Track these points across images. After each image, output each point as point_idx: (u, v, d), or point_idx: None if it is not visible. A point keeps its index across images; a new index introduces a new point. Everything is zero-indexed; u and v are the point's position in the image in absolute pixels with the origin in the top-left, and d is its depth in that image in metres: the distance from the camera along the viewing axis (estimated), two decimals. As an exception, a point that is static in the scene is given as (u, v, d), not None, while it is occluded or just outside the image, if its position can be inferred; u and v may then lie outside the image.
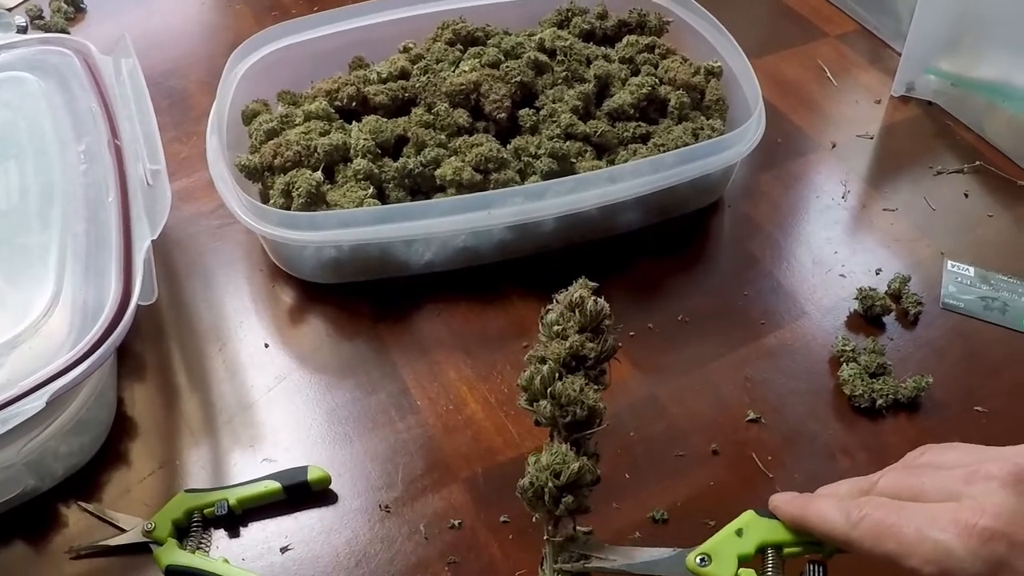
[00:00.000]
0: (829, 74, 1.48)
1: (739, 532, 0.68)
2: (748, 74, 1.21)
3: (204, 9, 1.67)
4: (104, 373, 0.98)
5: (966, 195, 1.28)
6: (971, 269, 1.17)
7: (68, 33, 1.58)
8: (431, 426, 1.01)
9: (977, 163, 1.32)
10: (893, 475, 0.65)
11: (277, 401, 1.04)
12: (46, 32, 1.56)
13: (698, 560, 0.67)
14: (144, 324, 1.10)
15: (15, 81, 1.19)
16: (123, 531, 0.92)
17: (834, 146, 1.35)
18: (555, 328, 0.75)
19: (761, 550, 0.68)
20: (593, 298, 0.74)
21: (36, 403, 0.83)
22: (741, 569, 0.67)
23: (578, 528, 0.73)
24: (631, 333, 1.09)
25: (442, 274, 1.14)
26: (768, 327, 1.11)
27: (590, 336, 0.73)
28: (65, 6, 1.66)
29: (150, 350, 1.08)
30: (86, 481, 0.96)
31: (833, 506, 0.64)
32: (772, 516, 0.69)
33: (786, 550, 0.68)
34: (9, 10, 1.69)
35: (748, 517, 0.69)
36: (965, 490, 0.61)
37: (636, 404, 1.03)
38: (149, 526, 0.90)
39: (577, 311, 0.74)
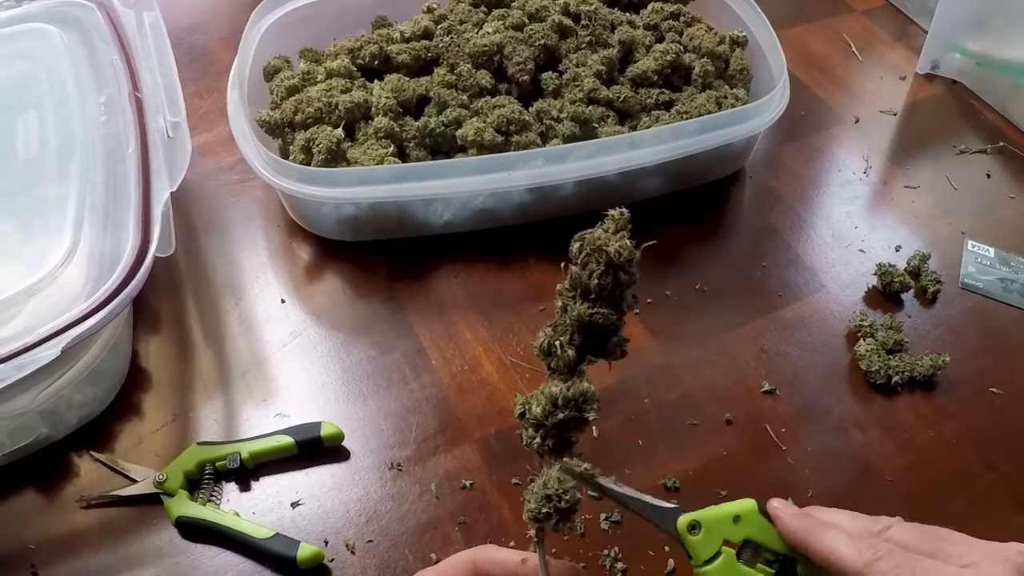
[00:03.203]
0: (854, 49, 1.47)
1: (736, 519, 0.68)
2: (773, 45, 1.21)
3: (226, -35, 1.67)
4: (119, 324, 0.98)
5: (988, 175, 1.28)
6: (991, 250, 1.17)
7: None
8: (445, 386, 1.01)
9: (1000, 144, 1.32)
10: (907, 529, 0.65)
11: (292, 357, 1.04)
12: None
13: (689, 526, 0.67)
14: (160, 277, 1.10)
15: (37, 33, 1.19)
16: (135, 482, 0.92)
17: (857, 121, 1.35)
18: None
19: (745, 542, 0.68)
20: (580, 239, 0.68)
21: (51, 351, 0.83)
22: (724, 547, 0.67)
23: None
24: (648, 300, 1.09)
25: (460, 235, 1.15)
26: (786, 299, 1.11)
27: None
28: (87, -41, 1.66)
29: (166, 303, 1.09)
30: (99, 431, 0.97)
31: (844, 540, 0.64)
32: (769, 517, 0.69)
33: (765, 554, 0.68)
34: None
35: (749, 509, 0.68)
36: (984, 564, 0.61)
37: (651, 371, 1.03)
38: (161, 477, 0.91)
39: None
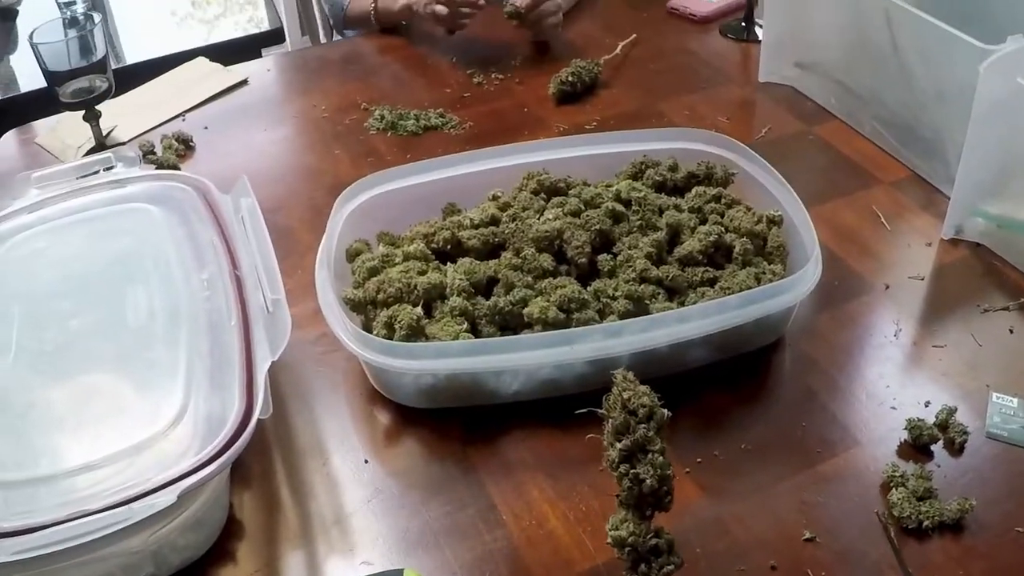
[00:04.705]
0: (883, 219, 1.55)
1: None
2: (806, 222, 1.31)
3: (305, 153, 1.82)
4: (221, 478, 1.08)
5: (1011, 331, 1.34)
6: (1015, 400, 1.23)
7: (179, 169, 1.71)
8: (515, 538, 1.10)
9: (1022, 300, 1.38)
10: None
11: (374, 512, 1.13)
12: (158, 167, 1.69)
13: None
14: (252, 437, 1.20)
15: (140, 212, 1.32)
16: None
17: (887, 288, 1.42)
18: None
19: None
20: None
21: (168, 497, 0.94)
22: None
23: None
24: (698, 460, 1.17)
25: (527, 403, 1.23)
26: (824, 455, 1.18)
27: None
28: (176, 143, 1.80)
29: (256, 461, 1.19)
30: (198, 574, 1.06)
31: None
32: None
33: None
34: (122, 144, 1.83)
35: None
36: None
37: (702, 524, 1.10)
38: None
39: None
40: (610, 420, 0.81)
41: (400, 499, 1.15)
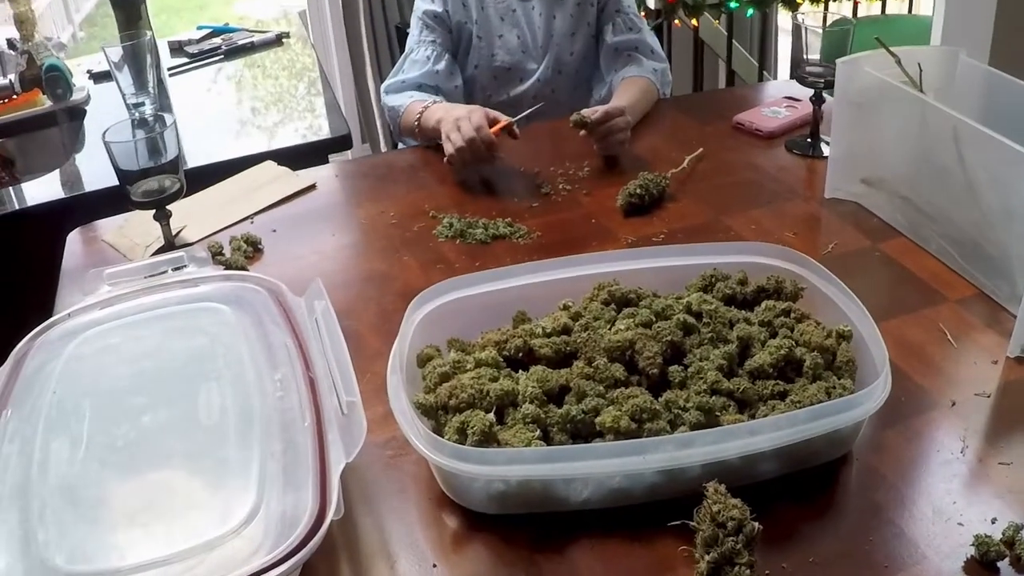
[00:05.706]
0: (949, 336, 1.56)
1: None
2: (876, 338, 1.32)
3: (374, 258, 1.85)
4: (292, 576, 1.10)
5: (1077, 448, 1.34)
6: (1081, 518, 1.22)
7: (247, 270, 1.74)
8: (586, 645, 1.10)
9: (1088, 419, 1.38)
10: None
11: (445, 617, 1.14)
12: (226, 268, 1.72)
13: None
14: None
15: (213, 311, 1.35)
16: None
17: (954, 404, 1.42)
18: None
19: None
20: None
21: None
22: None
23: None
24: (767, 572, 1.16)
25: (597, 511, 1.23)
26: (891, 570, 1.17)
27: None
28: (244, 245, 1.84)
29: (323, 561, 1.19)
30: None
31: None
32: None
33: None
34: (190, 244, 1.87)
35: None
36: None
37: (771, 638, 1.11)
38: None
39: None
40: (700, 532, 0.83)
41: (469, 603, 1.15)
